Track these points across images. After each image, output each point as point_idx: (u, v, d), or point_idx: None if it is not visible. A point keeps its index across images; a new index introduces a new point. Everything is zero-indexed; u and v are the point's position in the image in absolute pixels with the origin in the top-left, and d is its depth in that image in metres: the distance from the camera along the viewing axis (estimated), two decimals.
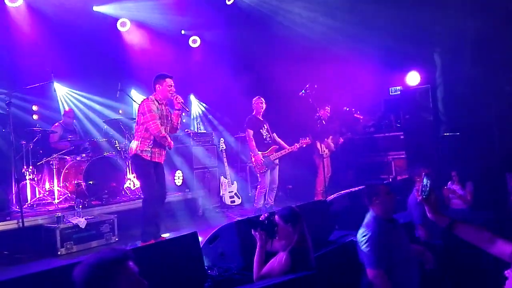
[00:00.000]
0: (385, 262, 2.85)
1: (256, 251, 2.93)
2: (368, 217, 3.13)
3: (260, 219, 2.99)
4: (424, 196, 2.07)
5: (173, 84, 4.81)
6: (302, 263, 2.73)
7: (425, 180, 2.09)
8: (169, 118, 4.91)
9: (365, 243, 2.93)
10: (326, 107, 7.51)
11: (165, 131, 4.78)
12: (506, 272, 1.66)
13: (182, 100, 4.83)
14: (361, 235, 3.00)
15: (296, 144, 6.39)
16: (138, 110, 4.82)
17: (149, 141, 4.70)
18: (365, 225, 3.07)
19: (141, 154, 4.68)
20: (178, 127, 4.97)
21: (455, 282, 3.47)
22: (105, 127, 7.44)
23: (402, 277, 2.90)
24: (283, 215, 2.88)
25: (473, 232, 2.02)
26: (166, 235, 5.07)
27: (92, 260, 1.75)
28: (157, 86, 4.81)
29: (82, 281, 1.71)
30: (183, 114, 4.98)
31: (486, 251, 1.97)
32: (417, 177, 4.22)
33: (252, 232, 2.95)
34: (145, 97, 5.00)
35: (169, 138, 4.78)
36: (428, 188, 2.06)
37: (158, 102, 4.77)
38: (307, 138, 6.46)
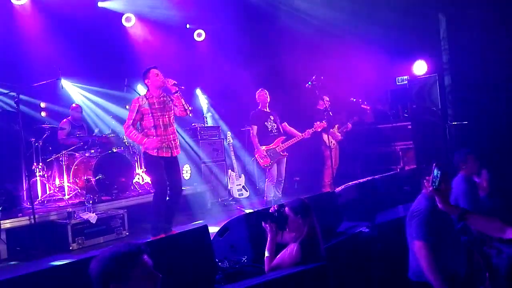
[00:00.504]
0: (433, 238, 2.81)
1: (267, 243, 2.95)
2: (419, 197, 3.06)
3: (270, 211, 3.02)
4: (434, 187, 2.08)
5: (159, 73, 4.78)
6: (312, 254, 2.76)
7: (435, 171, 2.09)
8: (168, 108, 4.82)
9: (415, 217, 2.90)
10: (325, 97, 7.39)
11: (163, 123, 4.75)
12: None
13: (175, 81, 4.73)
14: (412, 212, 2.97)
15: (308, 130, 6.33)
16: None
17: (152, 137, 4.70)
18: (416, 203, 3.03)
19: (147, 151, 4.71)
20: (186, 107, 4.80)
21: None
22: (113, 122, 7.48)
23: (449, 263, 2.87)
24: (293, 207, 2.90)
25: (484, 221, 2.05)
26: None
27: (107, 254, 1.78)
28: (146, 81, 4.83)
29: (97, 274, 1.74)
30: (188, 108, 4.89)
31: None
32: (462, 163, 4.01)
33: (263, 224, 2.98)
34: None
35: (134, 136, 4.76)
36: (438, 179, 2.07)
37: (147, 98, 4.77)
38: (323, 121, 6.39)
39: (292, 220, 2.89)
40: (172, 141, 4.80)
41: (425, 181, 2.11)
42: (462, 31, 7.03)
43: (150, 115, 4.71)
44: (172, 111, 4.88)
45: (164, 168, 4.76)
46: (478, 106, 6.65)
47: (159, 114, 4.75)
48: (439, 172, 2.09)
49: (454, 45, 7.19)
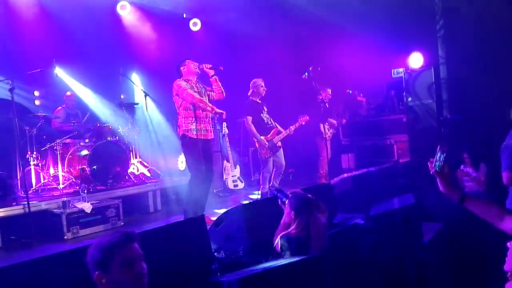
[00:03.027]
0: None
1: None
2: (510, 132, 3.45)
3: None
4: (437, 169, 2.10)
5: (194, 62, 5.01)
6: (292, 250, 2.79)
7: (439, 154, 2.11)
8: (204, 93, 5.01)
9: (504, 151, 3.27)
10: (328, 90, 7.44)
11: (198, 110, 4.88)
12: (508, 243, 1.69)
13: (210, 65, 4.96)
14: (503, 147, 3.35)
15: (291, 126, 6.20)
16: (173, 95, 4.97)
17: (191, 118, 4.84)
18: (508, 138, 3.41)
19: (187, 133, 4.84)
20: (222, 90, 5.05)
21: None
22: (108, 112, 7.42)
23: None
24: (291, 201, 2.92)
25: (482, 206, 2.07)
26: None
27: (95, 242, 1.84)
28: (181, 68, 5.00)
29: (87, 262, 1.82)
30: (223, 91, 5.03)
31: (495, 226, 2.00)
32: None
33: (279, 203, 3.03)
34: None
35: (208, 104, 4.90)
36: (441, 162, 2.09)
37: (186, 81, 4.93)
38: (305, 115, 6.29)
39: (287, 213, 2.92)
40: (208, 124, 4.99)
41: (429, 163, 2.13)
42: (458, 24, 7.04)
43: (190, 90, 4.85)
44: (206, 97, 5.03)
45: (202, 152, 4.91)
46: (473, 99, 6.68)
47: (198, 97, 4.88)
48: (442, 155, 2.10)
49: (450, 38, 7.20)
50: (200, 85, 5.09)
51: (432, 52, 7.58)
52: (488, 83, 6.61)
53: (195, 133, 4.83)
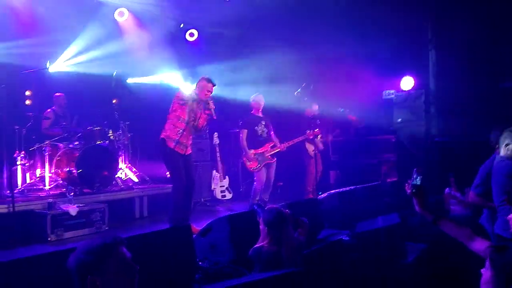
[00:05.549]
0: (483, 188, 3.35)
1: None
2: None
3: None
4: (414, 190, 2.17)
5: (211, 90, 5.01)
6: (261, 265, 2.81)
7: (415, 176, 2.19)
8: (197, 116, 5.04)
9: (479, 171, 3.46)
10: (314, 105, 7.48)
11: (193, 124, 4.98)
12: (482, 270, 1.76)
13: (214, 107, 4.98)
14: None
15: (285, 143, 6.42)
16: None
17: (179, 129, 4.86)
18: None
19: (166, 140, 4.85)
20: (202, 129, 5.20)
21: None
22: (99, 115, 7.39)
23: None
24: (265, 217, 2.96)
25: (455, 228, 2.18)
26: None
27: (82, 246, 1.79)
28: (198, 84, 5.07)
29: (74, 267, 1.76)
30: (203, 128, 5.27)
31: (467, 246, 2.08)
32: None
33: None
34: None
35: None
36: (418, 184, 2.16)
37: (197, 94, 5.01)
38: (317, 129, 6.55)
39: (261, 228, 2.96)
40: (189, 141, 5.04)
41: (406, 184, 2.20)
42: (449, 49, 7.20)
43: (190, 111, 4.92)
44: (198, 119, 5.09)
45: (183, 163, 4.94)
46: (461, 123, 6.80)
47: (193, 115, 4.96)
48: (419, 177, 2.18)
49: (441, 64, 7.35)
50: (201, 106, 5.09)
51: (424, 77, 7.72)
52: (476, 109, 6.75)
53: (174, 144, 4.84)
